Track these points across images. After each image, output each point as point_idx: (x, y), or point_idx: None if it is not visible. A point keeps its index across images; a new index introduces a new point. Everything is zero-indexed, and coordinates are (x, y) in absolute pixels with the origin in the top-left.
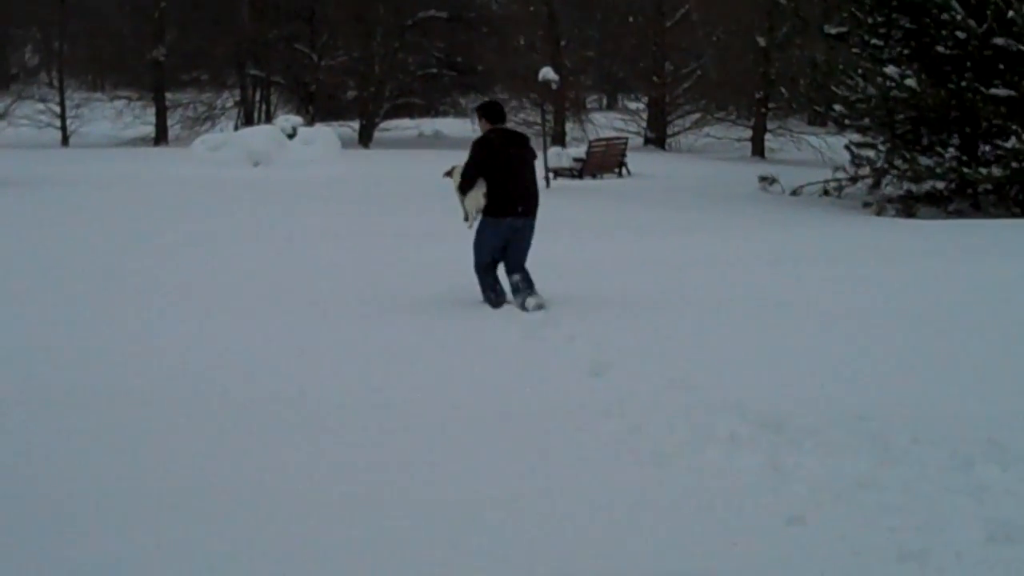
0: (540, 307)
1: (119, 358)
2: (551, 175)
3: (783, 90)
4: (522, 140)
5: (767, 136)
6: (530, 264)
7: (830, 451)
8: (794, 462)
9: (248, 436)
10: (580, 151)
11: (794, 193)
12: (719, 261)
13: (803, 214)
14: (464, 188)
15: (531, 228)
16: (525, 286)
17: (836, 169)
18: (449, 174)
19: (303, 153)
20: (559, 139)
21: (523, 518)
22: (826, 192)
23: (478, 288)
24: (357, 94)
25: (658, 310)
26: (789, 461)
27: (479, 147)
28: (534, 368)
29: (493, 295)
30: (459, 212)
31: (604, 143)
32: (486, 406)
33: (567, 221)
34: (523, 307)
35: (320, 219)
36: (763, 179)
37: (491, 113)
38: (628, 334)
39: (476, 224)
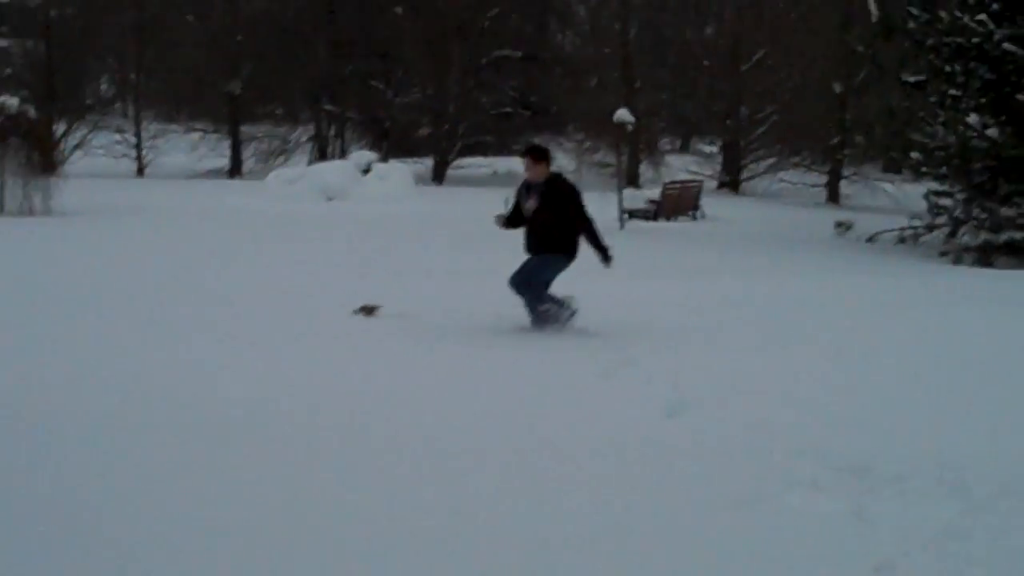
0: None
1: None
2: (625, 216)
3: (859, 136)
4: None
5: (842, 182)
6: (610, 301)
7: (915, 498)
8: (878, 509)
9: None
10: (655, 193)
11: (870, 240)
12: (799, 303)
13: (880, 261)
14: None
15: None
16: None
17: (912, 217)
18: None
19: (377, 189)
20: (633, 180)
21: (599, 559)
22: (902, 240)
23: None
24: (431, 131)
25: (738, 351)
26: (873, 508)
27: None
28: (611, 407)
29: (555, 305)
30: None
31: (679, 185)
32: (563, 443)
33: (643, 262)
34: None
35: (398, 256)
36: (839, 225)
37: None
38: (706, 374)
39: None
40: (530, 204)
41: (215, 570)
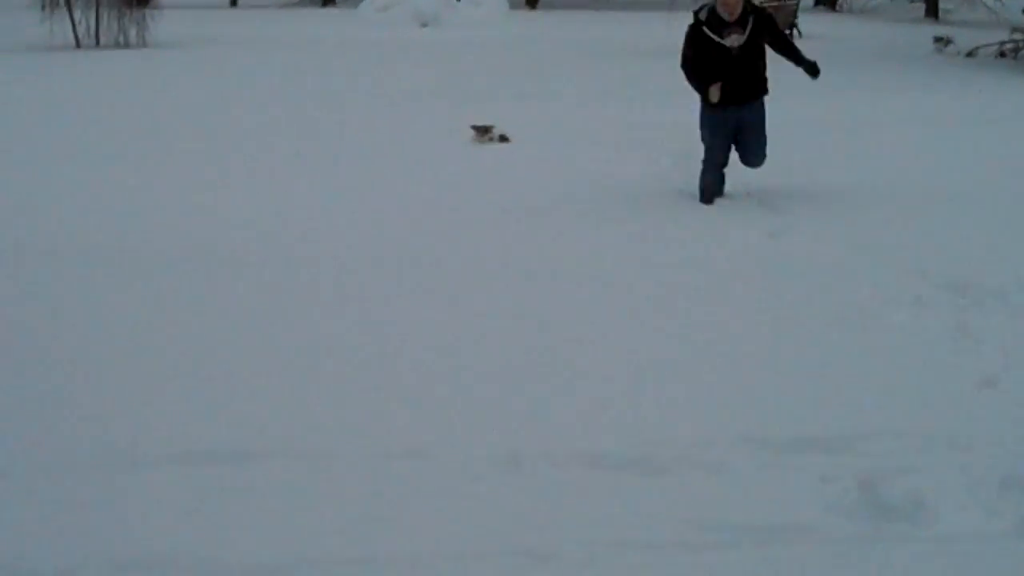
0: None
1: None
2: None
3: None
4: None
5: None
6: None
7: (1017, 314)
8: (981, 324)
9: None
10: None
11: (969, 55)
12: (900, 121)
13: (979, 76)
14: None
15: None
16: None
17: (1014, 31)
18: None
19: (471, 14)
20: None
21: (708, 374)
22: (1002, 54)
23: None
24: None
25: (839, 173)
26: (976, 323)
27: None
28: (714, 228)
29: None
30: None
31: (775, 3)
32: (669, 267)
33: None
34: None
35: (488, 80)
36: (938, 40)
37: None
38: (809, 199)
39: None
40: (734, 40)
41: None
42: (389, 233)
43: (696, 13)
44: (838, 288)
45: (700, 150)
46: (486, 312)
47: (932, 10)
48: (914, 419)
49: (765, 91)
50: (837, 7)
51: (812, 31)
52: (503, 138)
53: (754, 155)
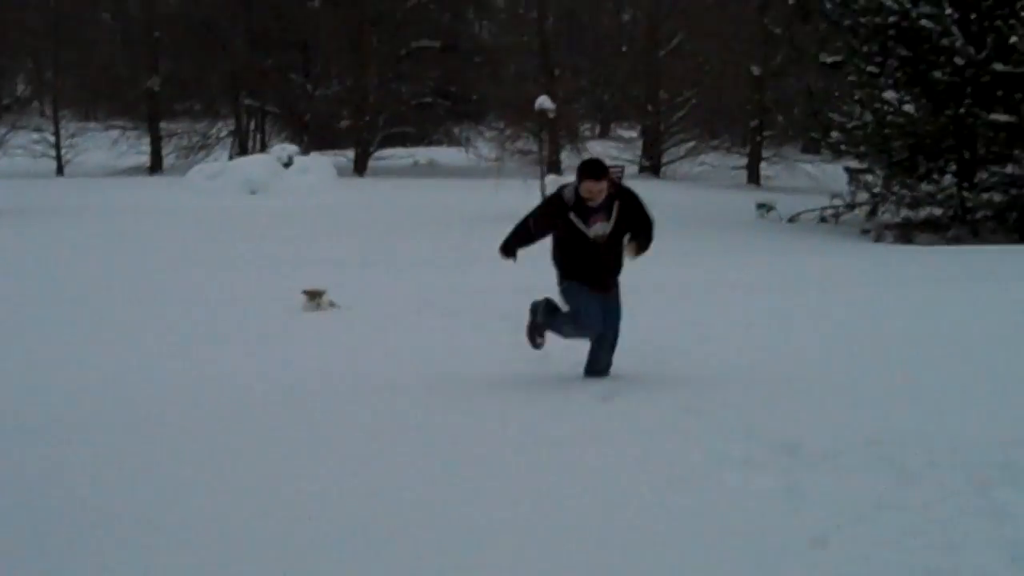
0: None
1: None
2: None
3: (779, 118)
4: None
5: (762, 164)
6: (527, 292)
7: (846, 474)
8: (811, 485)
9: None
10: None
11: (791, 220)
12: (721, 286)
13: (802, 241)
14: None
15: None
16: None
17: (834, 196)
18: None
19: (299, 182)
20: (555, 167)
21: (534, 542)
22: (823, 219)
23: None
24: (351, 123)
25: (662, 335)
26: (806, 484)
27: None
28: (544, 394)
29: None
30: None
31: None
32: (500, 437)
33: None
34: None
35: (325, 245)
36: (760, 206)
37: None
38: (633, 359)
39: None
40: (599, 229)
41: None
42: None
43: (562, 190)
44: (670, 450)
45: (522, 311)
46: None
47: (754, 177)
48: None
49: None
50: (660, 174)
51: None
52: (332, 304)
53: (613, 333)
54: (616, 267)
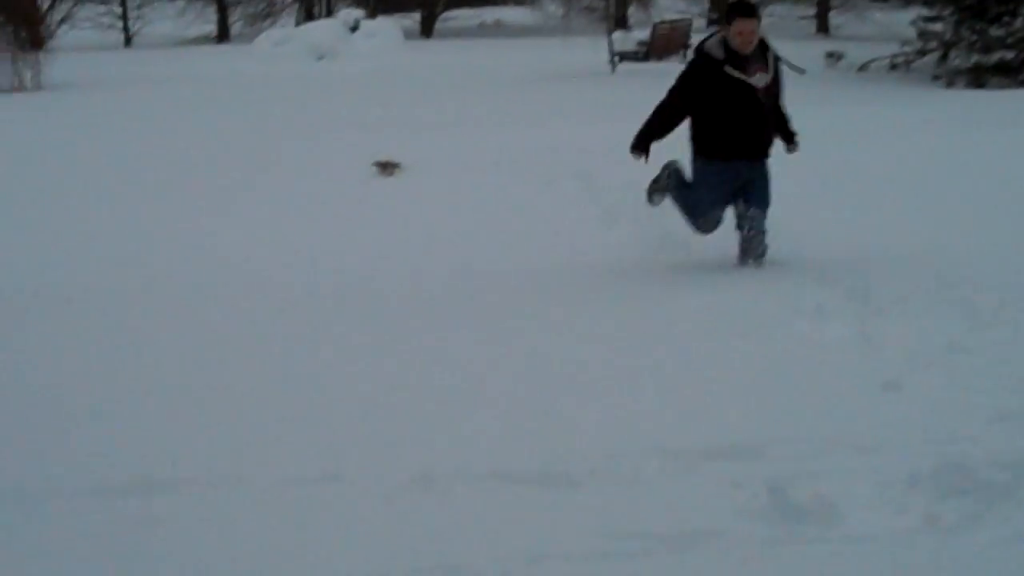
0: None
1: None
2: (616, 59)
3: None
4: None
5: (831, 12)
6: (602, 143)
7: (918, 318)
8: (883, 330)
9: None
10: (644, 34)
11: (862, 69)
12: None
13: (872, 89)
14: None
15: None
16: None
17: (904, 44)
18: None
19: (366, 46)
20: (622, 23)
21: (617, 386)
22: (894, 66)
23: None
24: None
25: None
26: (878, 329)
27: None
28: (608, 251)
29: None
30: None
31: (668, 25)
32: (574, 279)
33: (635, 104)
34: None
35: (393, 108)
36: (830, 55)
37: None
38: None
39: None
40: (760, 79)
41: None
42: (319, 263)
43: (703, 44)
44: (742, 299)
45: (594, 170)
46: (404, 335)
47: (823, 26)
48: (821, 424)
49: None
50: None
51: None
52: (394, 167)
53: (764, 208)
54: (770, 135)
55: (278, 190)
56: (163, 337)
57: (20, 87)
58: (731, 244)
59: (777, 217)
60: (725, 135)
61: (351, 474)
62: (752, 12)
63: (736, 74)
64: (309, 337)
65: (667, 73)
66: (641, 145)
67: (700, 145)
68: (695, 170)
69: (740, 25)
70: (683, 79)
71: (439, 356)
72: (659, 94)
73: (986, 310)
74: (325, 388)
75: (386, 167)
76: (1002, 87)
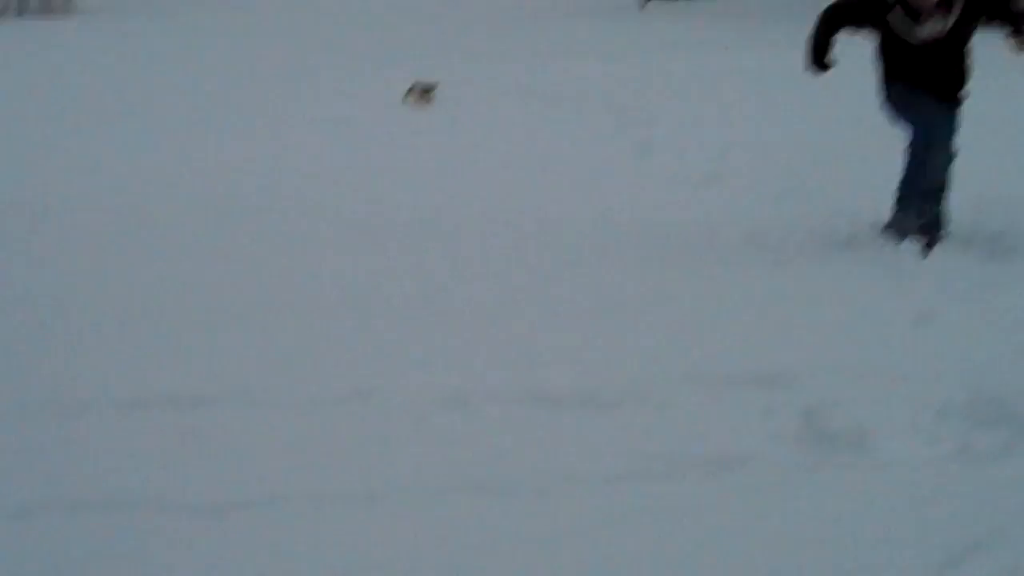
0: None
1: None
2: None
3: None
4: None
5: None
6: (615, 79)
7: (951, 252)
8: (916, 263)
9: None
10: None
11: None
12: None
13: None
14: None
15: None
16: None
17: None
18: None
19: None
20: None
21: (653, 313)
22: None
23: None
24: None
25: (763, 123)
26: (911, 262)
27: None
28: (645, 179)
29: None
30: None
31: None
32: (604, 217)
33: (667, 42)
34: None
35: (425, 36)
36: None
37: None
38: (736, 148)
39: None
40: (930, 28)
41: None
42: (355, 188)
43: None
44: (774, 232)
45: (625, 100)
46: (436, 258)
47: None
48: (854, 354)
49: (961, 91)
50: None
51: None
52: (432, 94)
53: (949, 143)
54: (955, 78)
55: (324, 118)
56: (203, 255)
57: (49, 10)
58: (772, 175)
59: (806, 152)
60: (899, 69)
61: (383, 393)
62: None
63: (900, 25)
64: (346, 258)
65: (697, 9)
66: (817, 62)
67: (883, 72)
68: (889, 97)
69: None
70: None
71: (478, 274)
72: (691, 30)
73: (1018, 244)
74: (360, 306)
75: (424, 93)
76: None
